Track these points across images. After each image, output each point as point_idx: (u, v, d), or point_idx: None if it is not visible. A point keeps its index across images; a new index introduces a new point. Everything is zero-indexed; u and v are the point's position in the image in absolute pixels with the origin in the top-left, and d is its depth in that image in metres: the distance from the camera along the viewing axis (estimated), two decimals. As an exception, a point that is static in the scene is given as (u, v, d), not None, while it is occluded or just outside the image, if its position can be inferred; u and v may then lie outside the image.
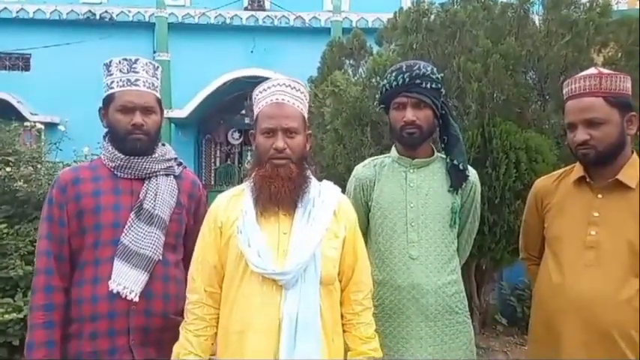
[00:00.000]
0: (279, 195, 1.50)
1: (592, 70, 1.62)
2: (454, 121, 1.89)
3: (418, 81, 1.76)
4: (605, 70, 1.64)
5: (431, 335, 1.77)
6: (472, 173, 1.88)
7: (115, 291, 1.59)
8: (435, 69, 1.83)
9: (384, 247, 1.82)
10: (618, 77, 1.59)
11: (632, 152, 1.64)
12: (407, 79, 1.76)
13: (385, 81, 1.84)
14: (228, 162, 10.36)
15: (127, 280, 1.60)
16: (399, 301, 1.78)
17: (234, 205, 1.57)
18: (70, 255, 1.66)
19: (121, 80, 1.68)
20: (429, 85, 1.77)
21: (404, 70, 1.78)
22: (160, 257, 1.66)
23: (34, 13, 9.06)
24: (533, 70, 3.83)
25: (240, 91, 8.71)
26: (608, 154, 1.58)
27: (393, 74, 1.80)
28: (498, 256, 3.66)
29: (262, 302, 1.46)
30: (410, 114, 1.76)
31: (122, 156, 1.69)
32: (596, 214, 1.60)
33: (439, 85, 1.81)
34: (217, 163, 10.34)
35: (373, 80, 3.91)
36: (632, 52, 3.76)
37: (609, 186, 1.61)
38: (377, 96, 1.93)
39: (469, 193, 1.87)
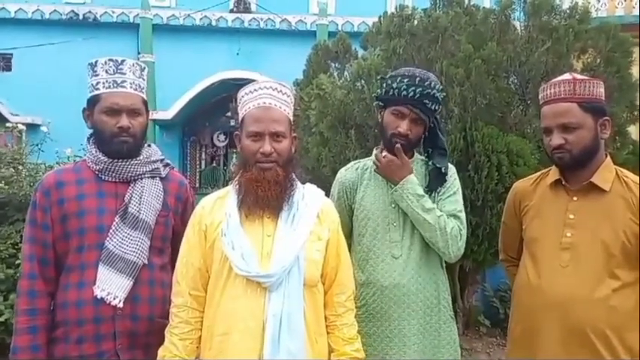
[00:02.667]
0: (266, 199, 1.51)
1: (566, 76, 1.67)
2: (442, 135, 1.91)
3: (426, 100, 1.77)
4: (579, 76, 1.69)
5: (414, 334, 1.79)
6: (450, 170, 1.89)
7: (99, 296, 1.57)
8: (441, 87, 1.85)
9: (367, 247, 1.84)
10: (591, 83, 1.64)
11: (606, 156, 1.69)
12: (417, 95, 1.76)
13: (395, 84, 1.78)
14: (214, 164, 10.28)
15: (111, 286, 1.58)
16: (382, 301, 1.80)
17: (218, 208, 1.58)
18: (55, 259, 1.64)
19: (107, 81, 1.66)
20: (433, 107, 1.80)
21: (416, 82, 1.77)
22: (145, 261, 1.65)
23: (15, 12, 8.89)
24: (514, 75, 3.90)
25: (225, 93, 8.66)
26: (583, 158, 1.63)
27: (404, 82, 1.77)
28: (481, 258, 3.71)
29: (247, 304, 1.47)
30: (406, 126, 1.78)
31: (106, 159, 1.67)
32: (572, 217, 1.65)
33: (440, 107, 1.86)
34: (202, 166, 10.25)
35: (358, 84, 3.94)
36: (610, 59, 3.86)
37: (584, 189, 1.65)
38: (378, 90, 1.91)
39: (448, 186, 1.86)
